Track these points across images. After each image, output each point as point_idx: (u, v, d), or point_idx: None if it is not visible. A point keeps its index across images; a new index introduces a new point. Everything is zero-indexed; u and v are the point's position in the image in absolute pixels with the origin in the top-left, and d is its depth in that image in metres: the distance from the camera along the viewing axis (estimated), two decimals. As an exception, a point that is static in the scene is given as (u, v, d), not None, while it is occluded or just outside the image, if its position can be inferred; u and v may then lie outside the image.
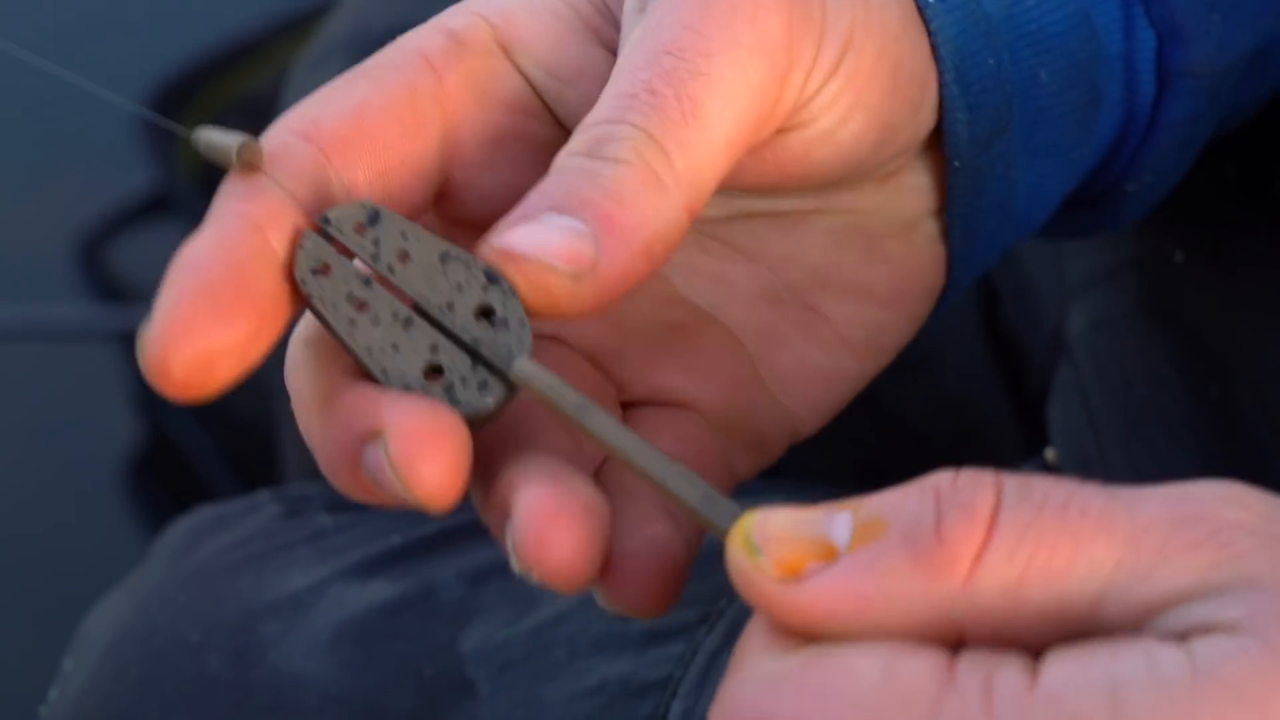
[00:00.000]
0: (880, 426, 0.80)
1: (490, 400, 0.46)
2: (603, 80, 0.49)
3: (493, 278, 0.46)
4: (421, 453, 0.45)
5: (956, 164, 0.53)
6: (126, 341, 1.48)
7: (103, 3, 1.86)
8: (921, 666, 0.40)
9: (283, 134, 0.48)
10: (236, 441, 1.45)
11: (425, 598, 0.67)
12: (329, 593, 0.67)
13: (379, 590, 0.67)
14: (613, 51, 0.51)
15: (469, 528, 0.70)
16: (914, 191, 0.55)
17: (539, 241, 0.46)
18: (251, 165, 0.47)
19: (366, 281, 0.46)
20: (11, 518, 1.56)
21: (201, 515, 0.74)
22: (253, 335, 0.45)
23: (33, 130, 1.78)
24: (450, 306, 0.46)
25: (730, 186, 0.51)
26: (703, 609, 0.65)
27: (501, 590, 0.67)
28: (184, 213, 1.50)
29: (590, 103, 0.49)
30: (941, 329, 0.81)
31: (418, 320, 0.46)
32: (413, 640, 0.66)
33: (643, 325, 0.54)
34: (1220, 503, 0.41)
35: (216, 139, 0.48)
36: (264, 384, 1.34)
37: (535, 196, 0.47)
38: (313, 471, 0.91)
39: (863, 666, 0.40)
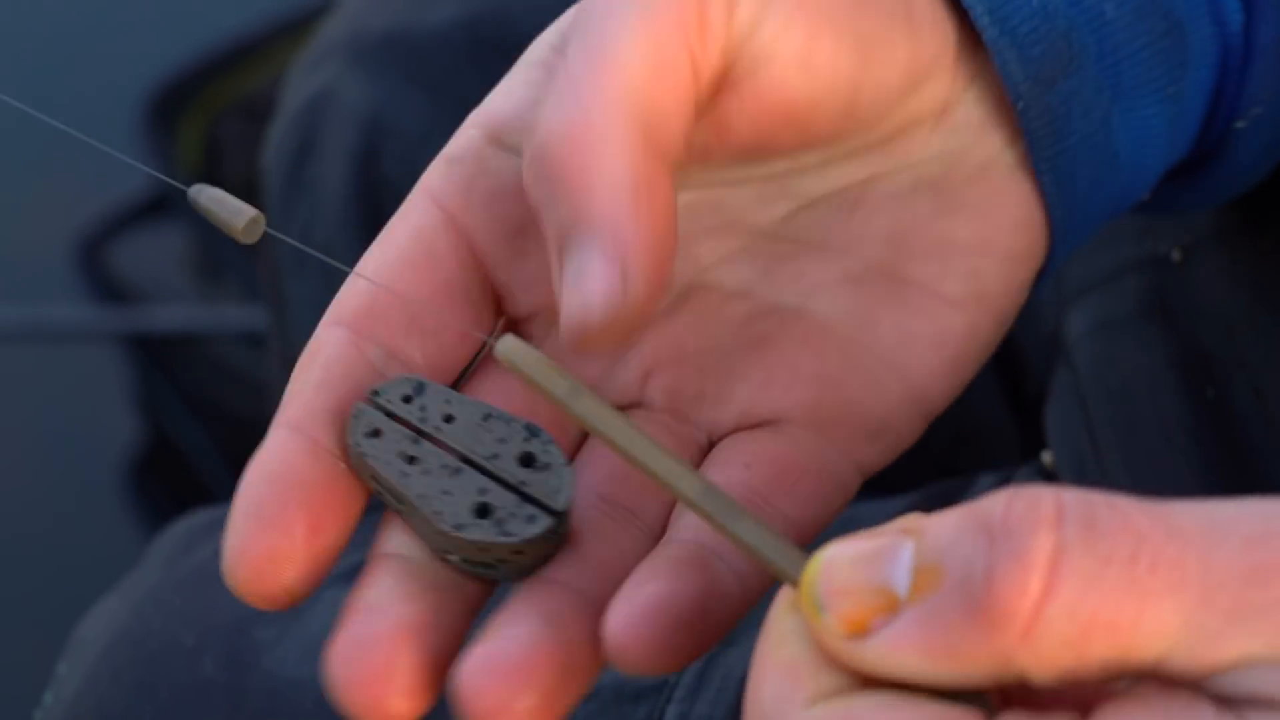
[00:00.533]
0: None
1: (537, 529, 0.48)
2: None
3: (533, 431, 0.50)
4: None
5: (1021, 105, 0.53)
6: (126, 342, 1.48)
7: (103, 3, 1.86)
8: None
9: (323, 330, 0.52)
10: (236, 442, 1.45)
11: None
12: (324, 597, 0.67)
13: (374, 594, 0.67)
14: None
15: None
16: (974, 126, 0.54)
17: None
18: (251, 237, 0.51)
19: (415, 440, 0.50)
20: (11, 519, 1.56)
21: (197, 518, 0.74)
22: (309, 535, 0.48)
23: (33, 130, 1.78)
24: (495, 457, 0.50)
25: (750, 149, 0.51)
26: (698, 613, 0.64)
27: (497, 594, 0.66)
28: (184, 214, 1.50)
29: None
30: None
31: (466, 469, 0.50)
32: (408, 644, 0.65)
33: (723, 354, 0.53)
34: None
35: (219, 207, 0.51)
36: (262, 385, 1.34)
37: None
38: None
39: None
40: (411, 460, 0.49)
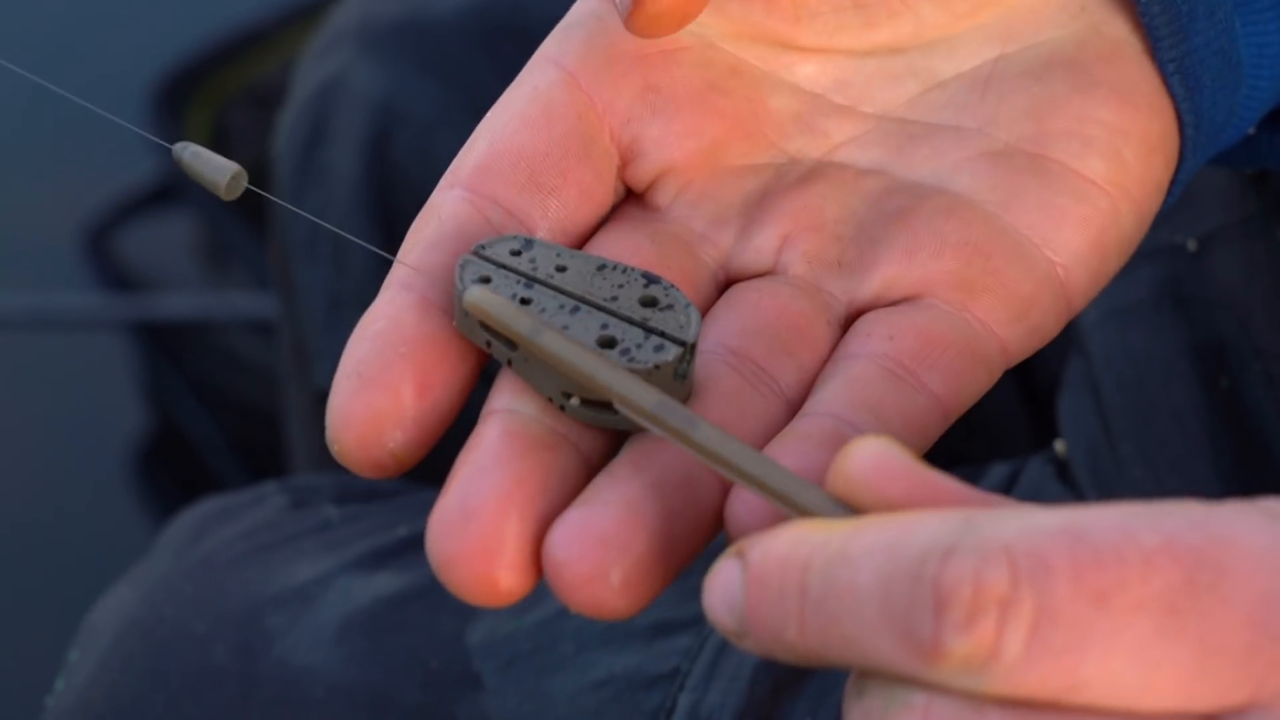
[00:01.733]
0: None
1: (668, 355, 0.46)
2: None
3: (652, 279, 0.48)
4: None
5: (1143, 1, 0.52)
6: (134, 330, 1.48)
7: (111, -9, 1.86)
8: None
9: (439, 194, 0.50)
10: (243, 430, 1.45)
11: (432, 590, 0.66)
12: (336, 585, 0.67)
13: (386, 582, 0.67)
14: None
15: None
16: (1100, 7, 0.53)
17: None
18: (234, 194, 0.49)
19: (528, 285, 0.47)
20: (18, 506, 1.56)
21: (207, 506, 0.74)
22: (417, 395, 0.45)
23: (40, 119, 1.78)
24: (614, 299, 0.47)
25: None
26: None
27: None
28: (191, 202, 1.50)
29: None
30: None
31: (585, 307, 0.47)
32: (419, 633, 0.65)
33: (862, 223, 0.51)
34: None
35: (202, 164, 0.50)
36: (271, 373, 1.34)
37: None
38: (319, 462, 0.91)
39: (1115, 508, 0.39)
40: (525, 303, 0.47)
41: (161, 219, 1.54)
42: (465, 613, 0.66)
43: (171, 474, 1.50)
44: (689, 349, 0.46)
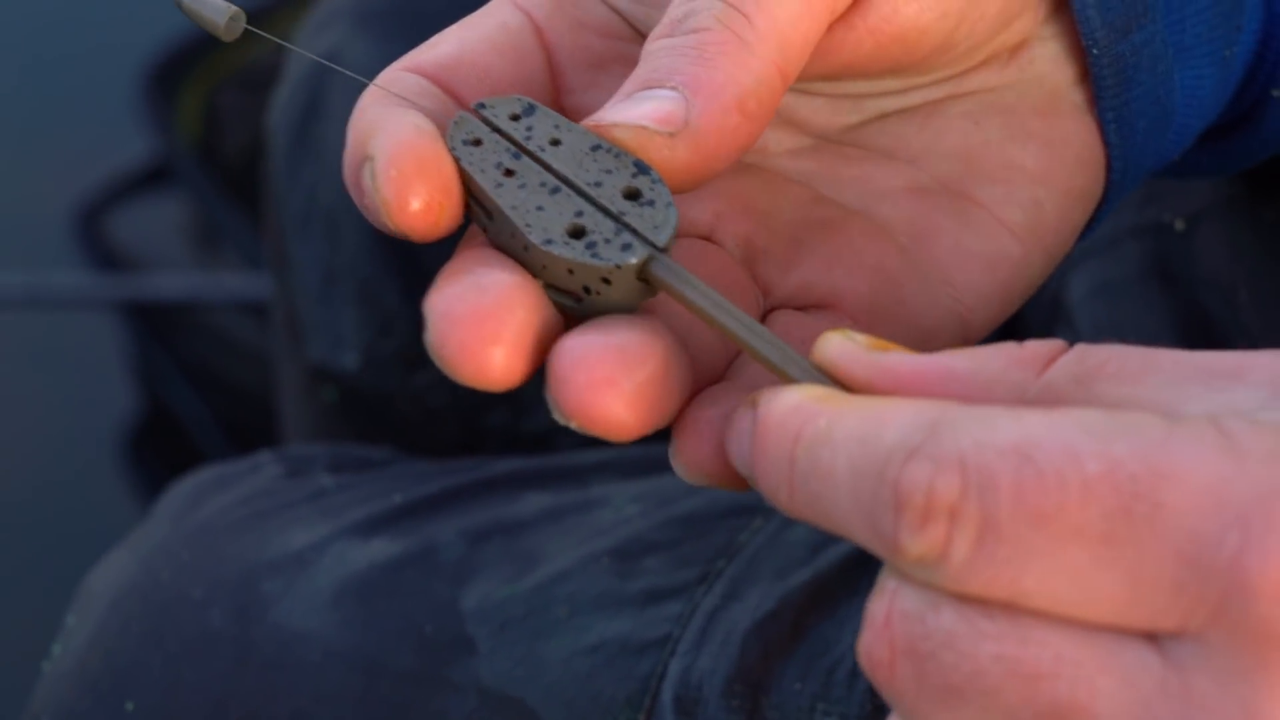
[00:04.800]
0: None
1: (632, 257, 0.46)
2: None
3: (642, 168, 0.47)
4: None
5: (1095, 51, 0.53)
6: (124, 311, 1.48)
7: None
8: (1139, 413, 0.40)
9: (392, 72, 0.50)
10: (233, 411, 1.46)
11: (426, 556, 0.67)
12: (331, 550, 0.68)
13: (380, 548, 0.68)
14: None
15: (470, 487, 0.70)
16: (1047, 61, 0.54)
17: (634, 111, 0.48)
18: (234, 35, 0.50)
19: (516, 155, 0.48)
20: (7, 484, 1.56)
21: (203, 475, 0.74)
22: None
23: (33, 99, 1.78)
24: (598, 185, 0.47)
25: (841, 71, 0.52)
26: (701, 568, 0.65)
27: (502, 549, 0.67)
28: (183, 183, 1.50)
29: None
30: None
31: (565, 189, 0.47)
32: (414, 598, 0.66)
33: (788, 223, 0.53)
34: None
35: (201, 5, 0.50)
36: (261, 354, 1.34)
37: (628, 83, 0.49)
38: (311, 436, 0.92)
39: (1080, 410, 0.41)
40: (509, 174, 0.47)
41: (153, 201, 1.55)
42: (459, 579, 0.66)
43: (161, 453, 1.51)
44: (657, 255, 0.46)
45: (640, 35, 0.53)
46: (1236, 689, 0.38)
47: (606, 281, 0.46)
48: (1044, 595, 0.39)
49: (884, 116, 0.55)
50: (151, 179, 1.54)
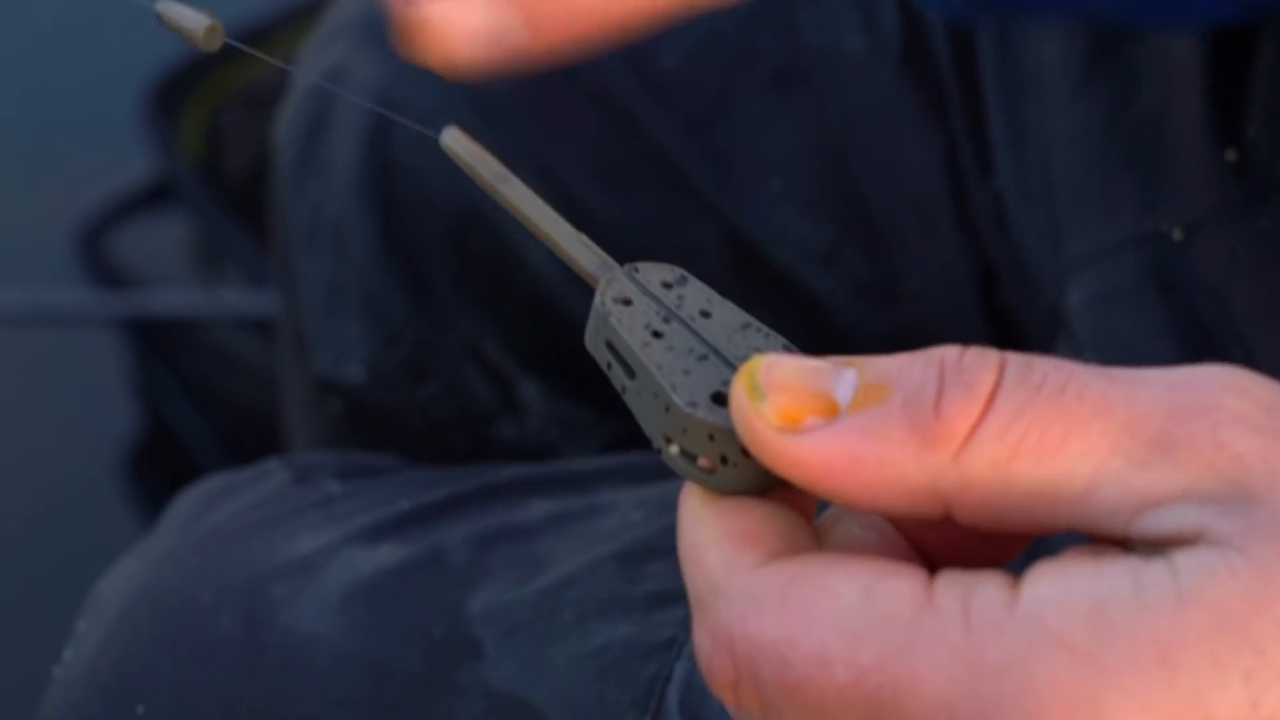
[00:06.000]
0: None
1: None
2: None
3: (791, 350, 0.46)
4: None
5: None
6: (126, 328, 1.48)
7: (106, -8, 1.86)
8: (901, 587, 0.41)
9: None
10: (234, 428, 1.46)
11: (434, 561, 0.68)
12: (339, 556, 0.68)
13: (388, 553, 0.68)
14: None
15: (477, 494, 0.71)
16: None
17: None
18: (213, 46, 0.52)
19: (666, 319, 0.47)
20: (10, 502, 1.56)
21: (211, 483, 0.75)
22: None
23: (36, 118, 1.79)
24: (746, 359, 0.46)
25: None
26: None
27: (509, 554, 0.67)
28: (185, 201, 1.51)
29: None
30: (940, 306, 0.82)
31: (714, 357, 0.46)
32: (421, 602, 0.66)
33: None
34: (1223, 391, 0.41)
35: (180, 18, 0.52)
36: (263, 372, 1.34)
37: None
38: (316, 448, 0.92)
39: (844, 588, 0.41)
40: (657, 335, 0.46)
41: (155, 219, 1.55)
42: (466, 583, 0.67)
43: (162, 471, 1.51)
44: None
45: None
46: None
47: (747, 455, 0.44)
48: None
49: None
50: (154, 197, 1.54)
